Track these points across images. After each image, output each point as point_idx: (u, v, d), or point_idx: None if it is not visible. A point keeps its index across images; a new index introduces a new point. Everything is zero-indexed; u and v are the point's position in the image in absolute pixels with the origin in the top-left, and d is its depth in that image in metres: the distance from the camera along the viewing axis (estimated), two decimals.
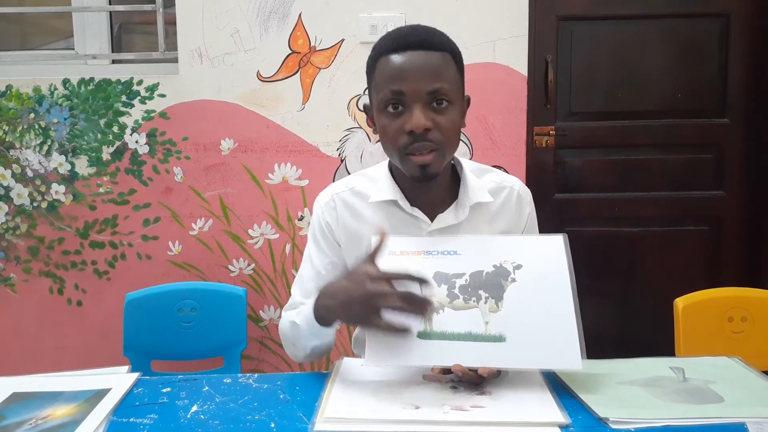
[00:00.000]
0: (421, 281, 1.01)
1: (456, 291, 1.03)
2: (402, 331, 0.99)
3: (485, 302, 1.02)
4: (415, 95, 1.08)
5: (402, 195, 1.20)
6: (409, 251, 1.08)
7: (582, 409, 0.94)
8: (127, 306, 1.84)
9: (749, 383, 1.04)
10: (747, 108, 2.26)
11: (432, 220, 1.20)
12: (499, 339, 0.99)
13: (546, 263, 1.05)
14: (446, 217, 1.20)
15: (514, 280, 1.04)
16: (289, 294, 1.27)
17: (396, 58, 1.10)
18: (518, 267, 1.05)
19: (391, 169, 1.24)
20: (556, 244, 1.07)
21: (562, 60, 2.24)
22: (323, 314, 1.08)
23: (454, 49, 1.14)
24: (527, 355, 0.99)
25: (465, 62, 1.17)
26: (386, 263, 1.05)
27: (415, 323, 1.00)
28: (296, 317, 1.15)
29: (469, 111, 1.20)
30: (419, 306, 0.99)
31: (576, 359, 0.98)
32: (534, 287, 1.03)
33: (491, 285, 1.03)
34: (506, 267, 1.05)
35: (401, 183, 1.21)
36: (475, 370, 0.98)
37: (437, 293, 1.03)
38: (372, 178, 1.26)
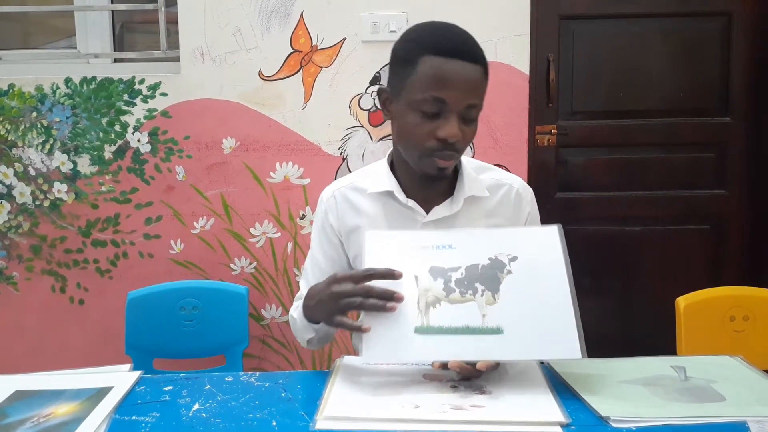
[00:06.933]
0: (389, 276, 1.02)
1: (452, 285, 1.04)
2: (358, 329, 1.01)
3: (482, 295, 1.02)
4: (455, 106, 1.10)
5: (398, 187, 1.23)
6: (405, 246, 1.08)
7: (583, 408, 0.94)
8: (129, 304, 1.84)
9: (751, 382, 1.04)
10: (749, 107, 2.25)
11: (428, 213, 1.22)
12: (497, 331, 0.99)
13: (542, 254, 1.05)
14: (441, 209, 1.22)
15: (510, 271, 1.04)
16: (291, 292, 1.30)
17: (444, 64, 1.09)
18: (514, 259, 1.05)
19: (391, 163, 1.26)
20: (551, 234, 1.07)
21: (564, 59, 2.23)
22: (307, 313, 1.17)
23: (486, 62, 1.15)
24: (526, 346, 0.99)
25: None
26: (379, 259, 1.06)
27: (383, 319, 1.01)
28: (294, 311, 1.25)
29: None
30: (382, 299, 1.01)
31: (575, 348, 0.97)
32: (530, 278, 1.03)
33: (487, 278, 1.04)
34: (502, 259, 1.05)
35: (399, 176, 1.24)
36: (473, 364, 0.98)
37: (433, 287, 1.03)
38: (372, 173, 1.29)
